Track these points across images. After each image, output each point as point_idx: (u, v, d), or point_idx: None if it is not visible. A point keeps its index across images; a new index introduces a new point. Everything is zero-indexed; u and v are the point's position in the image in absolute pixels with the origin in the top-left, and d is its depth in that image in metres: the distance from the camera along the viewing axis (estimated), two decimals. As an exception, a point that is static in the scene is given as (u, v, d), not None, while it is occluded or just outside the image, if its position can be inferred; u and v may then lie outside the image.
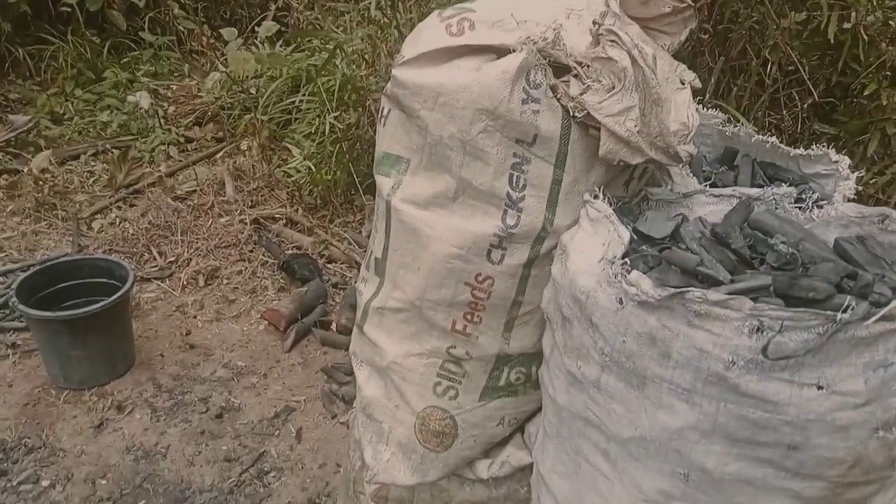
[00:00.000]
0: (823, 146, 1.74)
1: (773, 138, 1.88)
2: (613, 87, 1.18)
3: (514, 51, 1.21)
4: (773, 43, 3.09)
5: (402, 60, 1.30)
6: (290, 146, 3.80)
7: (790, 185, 1.73)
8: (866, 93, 3.37)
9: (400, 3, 3.65)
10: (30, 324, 2.64)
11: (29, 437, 2.36)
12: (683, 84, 1.43)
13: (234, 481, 2.23)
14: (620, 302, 1.02)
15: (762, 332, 0.90)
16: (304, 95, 4.02)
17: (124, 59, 5.07)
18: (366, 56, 3.79)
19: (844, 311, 0.89)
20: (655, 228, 1.19)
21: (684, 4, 1.53)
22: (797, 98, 3.92)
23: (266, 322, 3.00)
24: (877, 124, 3.52)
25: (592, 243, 1.14)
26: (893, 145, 3.44)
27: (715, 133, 2.01)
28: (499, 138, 1.25)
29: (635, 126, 1.18)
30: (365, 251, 3.55)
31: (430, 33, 1.29)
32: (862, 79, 3.44)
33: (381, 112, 1.43)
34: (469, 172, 1.28)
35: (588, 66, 1.20)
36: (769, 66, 3.70)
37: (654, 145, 1.21)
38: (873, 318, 0.90)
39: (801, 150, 1.83)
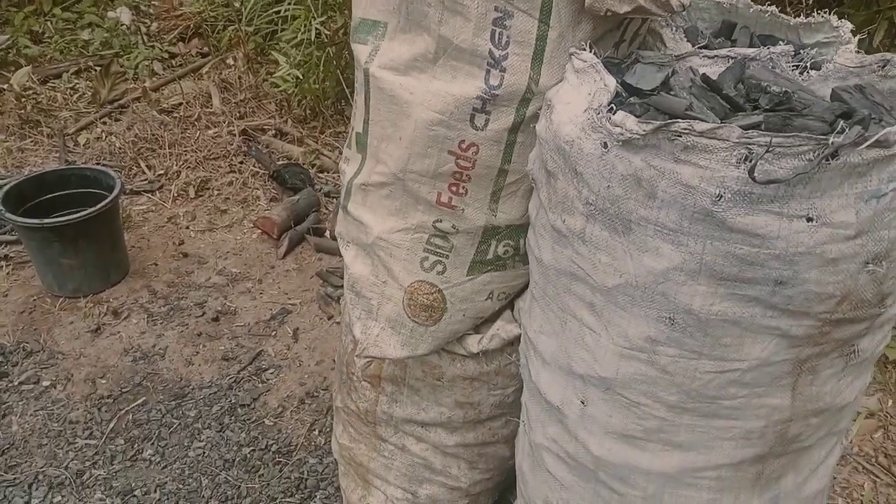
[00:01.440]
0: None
1: (773, 7, 1.80)
2: (599, -73, 1.11)
3: None
4: (777, -74, 2.94)
5: (376, -90, 1.22)
6: (276, 55, 3.69)
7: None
8: (875, -22, 3.22)
9: None
10: (20, 233, 2.62)
11: (27, 342, 2.38)
12: (677, -65, 1.35)
13: (233, 378, 2.26)
14: (605, 146, 0.98)
15: (751, 161, 0.87)
16: (289, 4, 3.87)
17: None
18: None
19: (838, 136, 0.85)
20: (644, 80, 1.14)
21: None
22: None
23: (259, 230, 2.98)
24: (884, 13, 3.39)
25: (578, 94, 1.09)
26: (900, 34, 3.31)
27: (713, 7, 1.92)
28: (479, -10, 1.18)
29: (622, -32, 1.11)
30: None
31: None
32: (871, -35, 3.29)
33: (357, -25, 1.35)
34: (449, 30, 1.22)
35: None
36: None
37: (643, -10, 1.14)
38: (867, 143, 0.86)
39: (801, 19, 1.75)
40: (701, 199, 0.91)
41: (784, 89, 1.04)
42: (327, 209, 3.14)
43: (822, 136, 0.85)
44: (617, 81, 1.16)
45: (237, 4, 4.22)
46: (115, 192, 2.53)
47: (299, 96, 3.57)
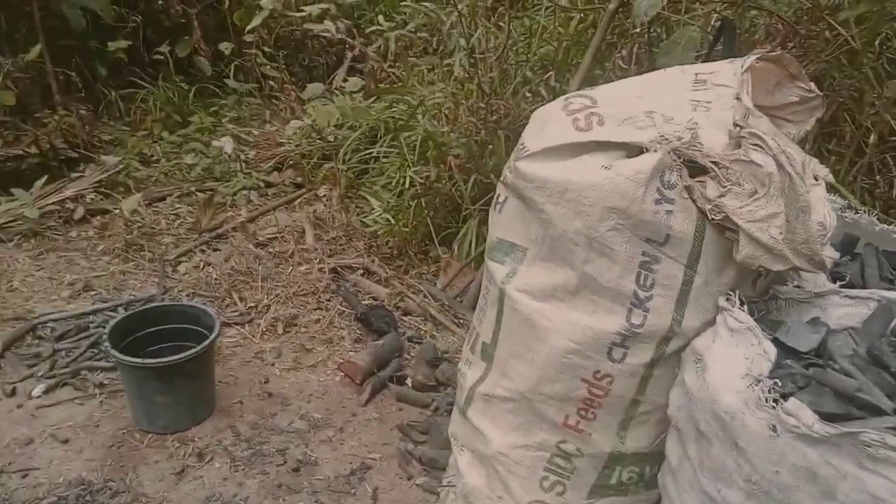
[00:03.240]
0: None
1: (896, 227, 1.79)
2: (756, 192, 1.14)
3: (646, 150, 1.18)
4: (873, 112, 2.99)
5: (527, 153, 1.28)
6: (367, 196, 3.85)
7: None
8: (968, 157, 3.20)
9: (481, 62, 3.69)
10: (119, 367, 2.70)
11: (113, 481, 2.39)
12: (817, 180, 1.37)
13: (313, 543, 2.21)
14: (774, 430, 0.96)
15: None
16: (382, 146, 4.08)
17: (210, 105, 5.26)
18: (447, 112, 3.82)
19: None
20: (800, 341, 1.13)
21: (812, 94, 1.48)
22: (892, 163, 3.77)
23: (342, 374, 2.99)
24: None
25: (734, 356, 1.08)
26: None
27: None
28: (628, 236, 1.21)
29: (780, 233, 1.13)
30: (442, 305, 3.49)
31: (556, 127, 1.27)
32: (963, 142, 3.28)
33: (497, 199, 1.41)
34: (594, 269, 1.25)
35: (727, 168, 1.16)
36: (861, 132, 3.58)
37: (799, 252, 1.15)
38: None
39: (925, 240, 1.74)
40: (888, 512, 0.87)
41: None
42: (409, 355, 3.15)
43: None
44: (768, 338, 1.15)
45: (331, 139, 4.47)
46: (214, 333, 2.60)
47: (388, 237, 3.69)
